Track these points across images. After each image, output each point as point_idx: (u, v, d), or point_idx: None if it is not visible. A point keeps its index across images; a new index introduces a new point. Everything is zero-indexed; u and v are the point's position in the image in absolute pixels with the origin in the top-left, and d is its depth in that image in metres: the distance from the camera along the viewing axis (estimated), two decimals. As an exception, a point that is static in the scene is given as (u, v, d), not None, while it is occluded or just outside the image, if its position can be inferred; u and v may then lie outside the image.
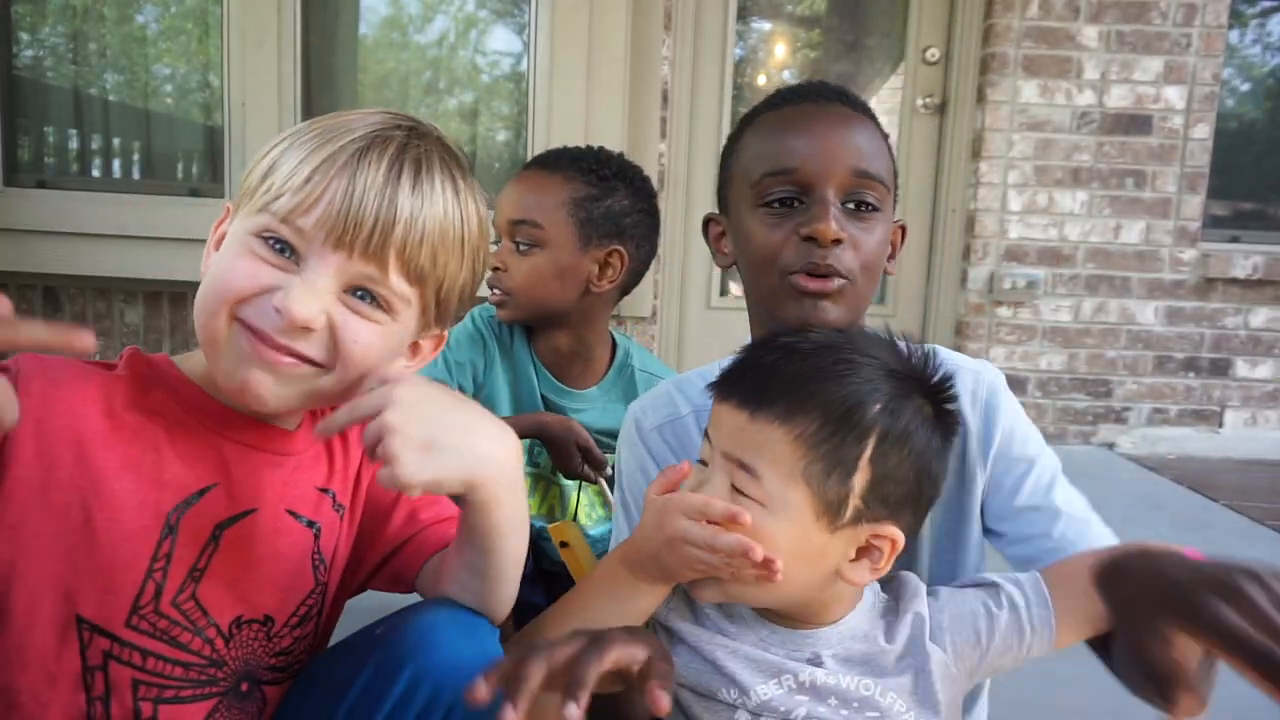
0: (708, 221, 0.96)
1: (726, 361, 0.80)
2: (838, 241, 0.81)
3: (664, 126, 3.07)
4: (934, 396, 0.76)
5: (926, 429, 0.74)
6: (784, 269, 0.82)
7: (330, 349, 0.70)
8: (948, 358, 0.88)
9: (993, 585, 0.79)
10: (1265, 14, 3.30)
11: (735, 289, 3.37)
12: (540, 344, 1.41)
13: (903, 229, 0.92)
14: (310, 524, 0.78)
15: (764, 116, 0.89)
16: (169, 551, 0.71)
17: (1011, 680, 1.44)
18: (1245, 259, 3.06)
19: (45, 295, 2.98)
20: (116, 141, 3.17)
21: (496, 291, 1.35)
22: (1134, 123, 3.04)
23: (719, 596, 0.74)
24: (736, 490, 0.71)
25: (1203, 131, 3.05)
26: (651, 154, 3.04)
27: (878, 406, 0.72)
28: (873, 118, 0.88)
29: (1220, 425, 3.18)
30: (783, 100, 0.89)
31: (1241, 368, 3.16)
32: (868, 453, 0.71)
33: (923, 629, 0.77)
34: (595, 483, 1.38)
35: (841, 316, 0.83)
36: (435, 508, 0.84)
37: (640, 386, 1.42)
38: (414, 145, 0.72)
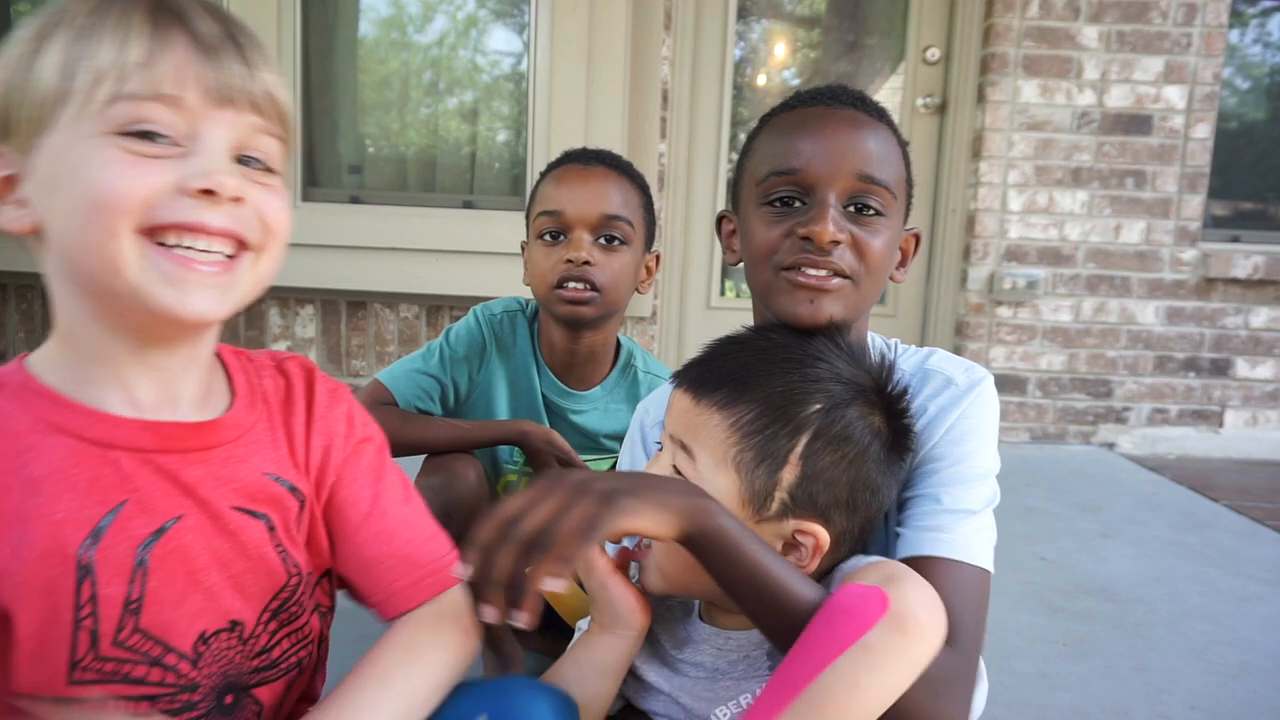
0: (720, 219, 0.97)
1: None
2: (835, 243, 0.81)
3: (664, 126, 3.07)
4: (887, 409, 0.76)
5: (869, 436, 0.75)
6: (778, 264, 0.83)
7: (259, 224, 0.65)
8: (943, 360, 0.89)
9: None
10: (1265, 14, 3.30)
11: (737, 289, 3.37)
12: (552, 344, 1.39)
13: (916, 237, 0.92)
14: (258, 515, 0.71)
15: (778, 117, 0.90)
16: (91, 594, 0.62)
17: (1011, 680, 1.45)
18: (1246, 259, 3.06)
19: (44, 295, 2.97)
20: (117, 141, 3.17)
21: (579, 286, 1.28)
22: (1134, 123, 3.05)
23: (660, 585, 0.78)
24: (676, 470, 0.76)
25: (1203, 131, 3.05)
26: (651, 154, 3.05)
27: (816, 406, 0.74)
28: (888, 124, 0.88)
29: (1220, 425, 3.18)
30: (797, 102, 0.89)
31: (1242, 368, 3.16)
32: (799, 449, 0.73)
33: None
34: None
35: (837, 313, 0.82)
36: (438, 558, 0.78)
37: (643, 388, 1.42)
38: None
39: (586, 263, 1.28)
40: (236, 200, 0.62)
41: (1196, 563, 2.09)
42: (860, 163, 0.82)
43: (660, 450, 0.80)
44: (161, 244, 0.61)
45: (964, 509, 0.80)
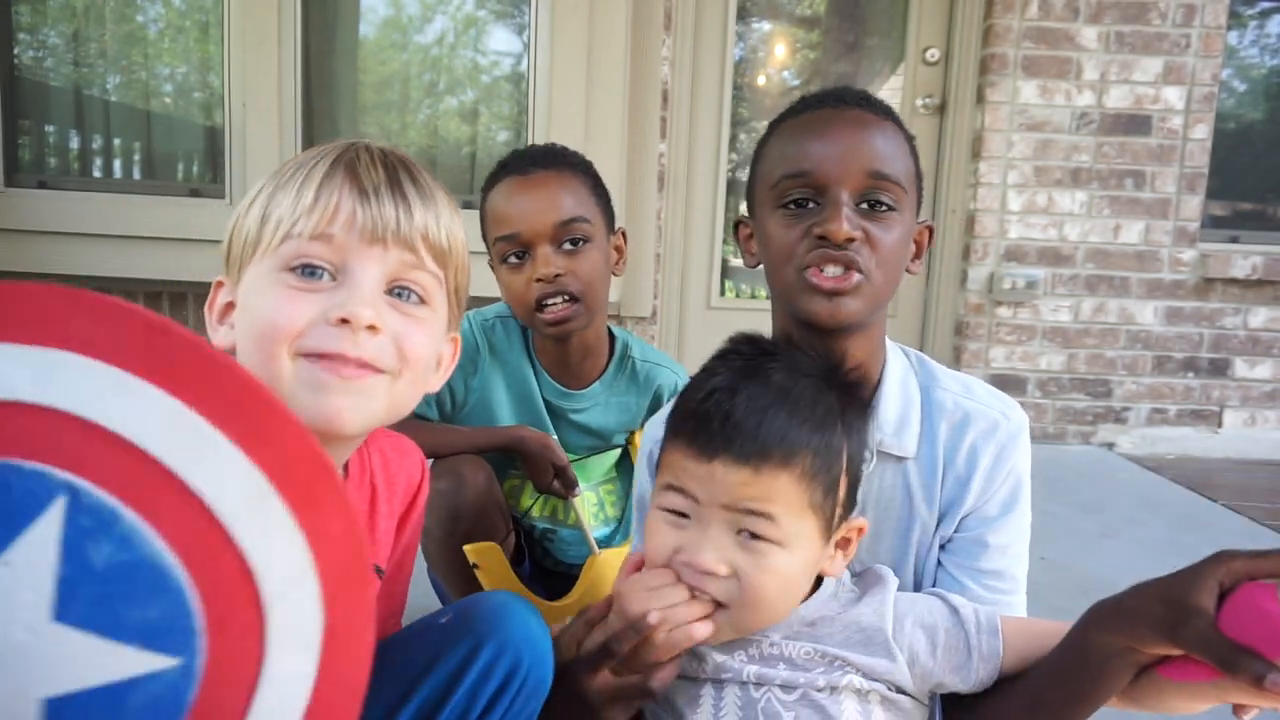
0: (738, 224, 0.99)
1: (688, 383, 0.83)
2: (850, 240, 0.83)
3: (664, 126, 3.07)
4: (849, 388, 0.80)
5: (858, 418, 0.80)
6: (799, 265, 0.85)
7: (394, 352, 0.71)
8: (985, 394, 0.94)
9: (950, 602, 0.82)
10: (1264, 15, 3.30)
11: (737, 288, 3.37)
12: (545, 347, 1.38)
13: (929, 229, 0.95)
14: None
15: (787, 122, 0.92)
16: None
17: (1011, 680, 1.45)
18: (1244, 259, 3.07)
19: (45, 295, 2.98)
20: (117, 141, 3.18)
21: (557, 303, 1.26)
22: (1133, 123, 3.05)
23: (729, 633, 0.77)
24: (749, 535, 0.74)
25: (1202, 132, 3.05)
26: (651, 154, 3.05)
27: (839, 425, 0.77)
28: (894, 121, 0.90)
29: (1219, 425, 3.19)
30: (804, 106, 0.92)
31: (1241, 368, 3.16)
32: (844, 466, 0.78)
33: (883, 616, 0.80)
34: (564, 499, 1.38)
35: (858, 311, 0.85)
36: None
37: (642, 376, 1.41)
38: (381, 150, 0.75)
39: (558, 275, 1.25)
40: (372, 329, 0.68)
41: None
42: (869, 160, 0.85)
43: (684, 519, 0.76)
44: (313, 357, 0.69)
45: (1024, 561, 0.91)
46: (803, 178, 0.85)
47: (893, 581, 0.83)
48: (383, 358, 0.70)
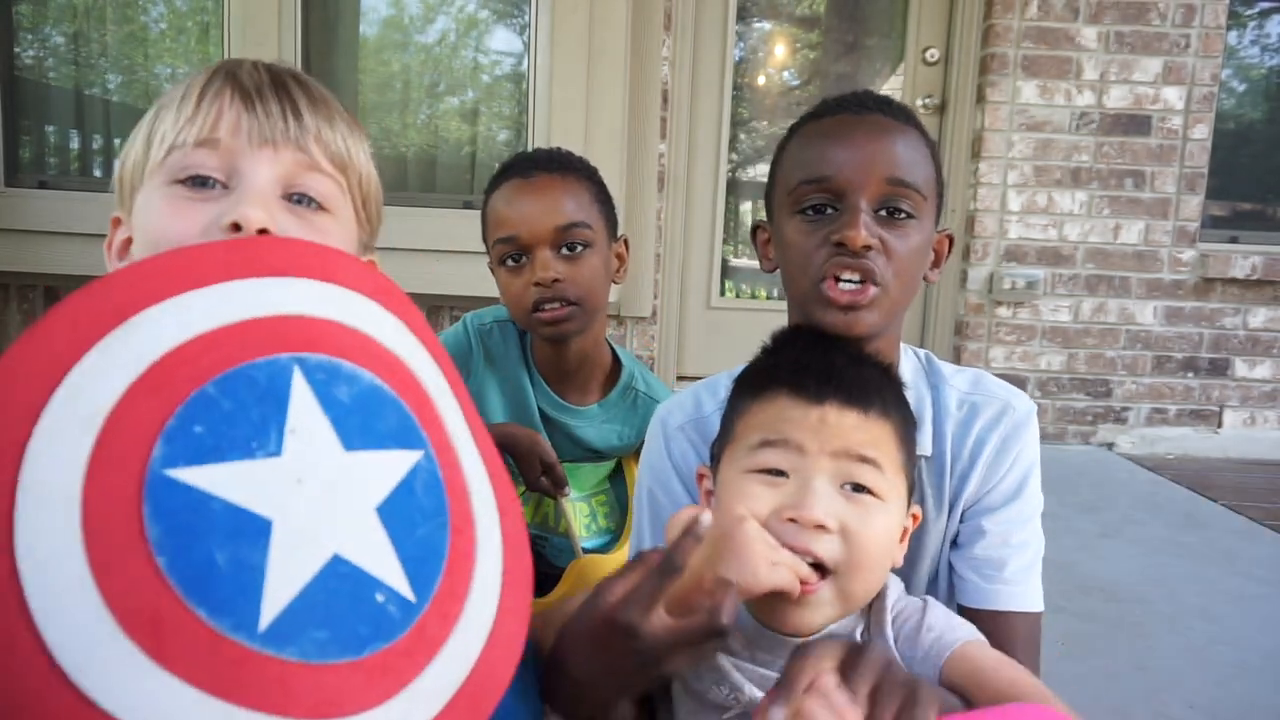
0: (755, 228, 0.98)
1: (756, 355, 0.83)
2: (868, 248, 0.81)
3: (664, 126, 3.07)
4: (897, 379, 0.83)
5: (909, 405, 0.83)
6: (816, 275, 0.83)
7: None
8: (991, 384, 0.94)
9: (926, 605, 0.78)
10: (1264, 15, 3.30)
11: (737, 288, 3.37)
12: (542, 355, 1.36)
13: (950, 238, 0.94)
14: None
15: (806, 127, 0.91)
16: None
17: (1011, 680, 1.45)
18: (1244, 259, 3.07)
19: (45, 295, 2.98)
20: (117, 142, 3.17)
21: (555, 306, 1.25)
22: (1133, 123, 3.05)
23: (828, 608, 0.72)
24: (854, 487, 0.72)
25: (1201, 132, 3.05)
26: (651, 154, 3.05)
27: (907, 401, 0.79)
28: (916, 126, 0.89)
29: (1219, 425, 3.19)
30: (824, 110, 0.90)
31: (1240, 368, 3.16)
32: (915, 440, 0.80)
33: (912, 637, 0.75)
34: (553, 498, 1.35)
35: (875, 323, 0.84)
36: None
37: (640, 412, 1.38)
38: (266, 62, 0.73)
39: (556, 280, 1.24)
40: (265, 233, 0.65)
41: (1195, 563, 2.09)
42: (889, 167, 0.83)
43: (781, 477, 0.72)
44: None
45: (1030, 553, 0.88)
46: (821, 183, 0.84)
47: (898, 584, 0.81)
48: None
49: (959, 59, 3.12)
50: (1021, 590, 0.86)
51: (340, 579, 0.50)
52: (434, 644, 0.53)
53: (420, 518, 0.54)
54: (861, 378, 0.75)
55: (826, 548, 0.70)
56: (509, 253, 1.27)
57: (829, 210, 0.84)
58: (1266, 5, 3.28)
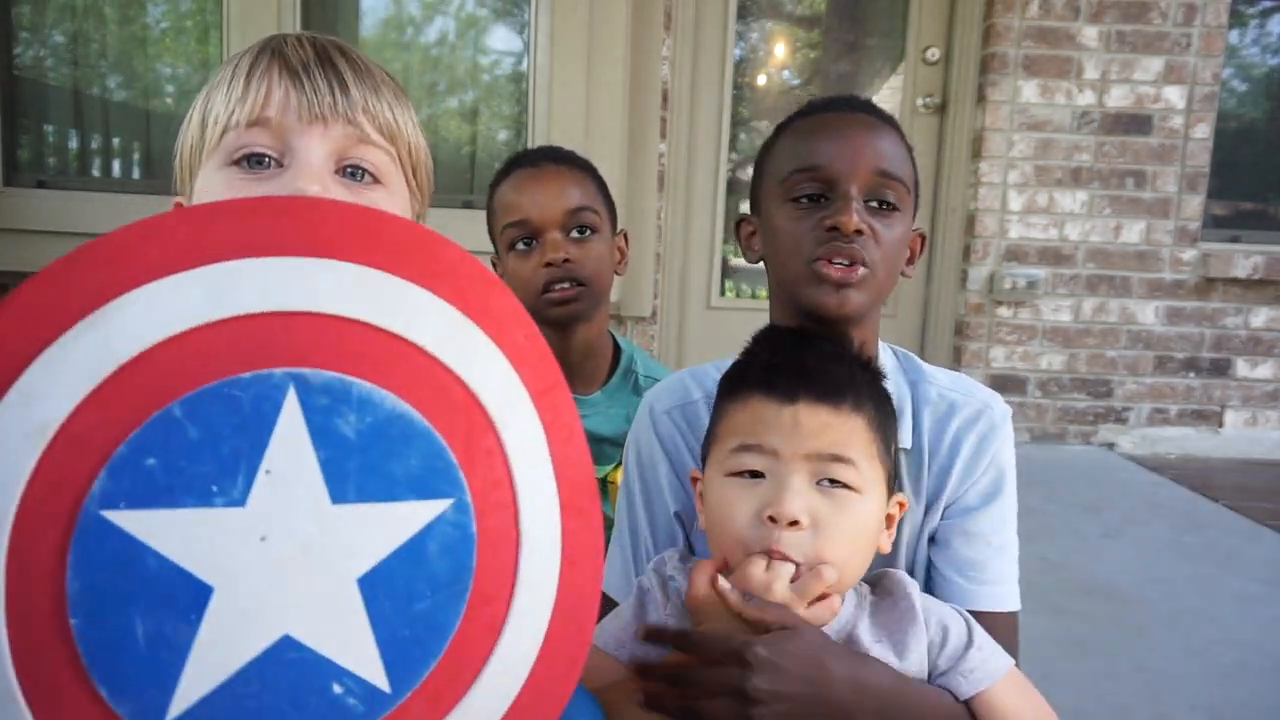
0: (739, 222, 1.02)
1: (733, 360, 0.85)
2: (859, 233, 0.86)
3: (664, 126, 3.07)
4: (875, 370, 0.84)
5: (888, 394, 0.85)
6: (809, 257, 0.87)
7: None
8: (968, 385, 0.96)
9: (970, 627, 0.81)
10: (1265, 14, 3.30)
11: (737, 288, 3.37)
12: (551, 340, 1.37)
13: (922, 236, 0.98)
14: None
15: (796, 123, 0.95)
16: None
17: (1012, 680, 1.45)
18: (1245, 259, 3.06)
19: (45, 295, 2.98)
20: (116, 141, 3.17)
21: (565, 285, 1.28)
22: (1134, 123, 3.05)
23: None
24: (829, 482, 0.75)
25: (1203, 131, 3.05)
26: (651, 154, 3.04)
27: (884, 392, 0.81)
28: (897, 129, 0.94)
29: (1220, 425, 3.18)
30: (813, 109, 0.95)
31: (1242, 368, 3.16)
32: (893, 432, 0.81)
33: (918, 634, 0.78)
34: None
35: (862, 304, 0.87)
36: None
37: (642, 393, 1.41)
38: (310, 35, 0.74)
39: (566, 260, 1.27)
40: None
41: (1196, 563, 2.09)
42: (878, 159, 0.88)
43: (758, 479, 0.76)
44: None
45: (1009, 554, 0.91)
46: (814, 172, 0.88)
47: (913, 582, 0.83)
48: None
49: (959, 58, 3.12)
50: (1003, 591, 0.90)
51: (284, 666, 0.42)
52: None
53: (424, 588, 0.46)
54: (832, 374, 0.77)
55: (798, 544, 0.73)
56: (519, 236, 1.30)
57: (821, 199, 0.89)
58: (1268, 4, 3.28)
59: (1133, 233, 3.09)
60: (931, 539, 0.93)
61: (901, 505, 0.83)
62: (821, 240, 0.86)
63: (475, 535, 0.47)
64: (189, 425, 0.41)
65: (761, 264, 0.97)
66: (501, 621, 0.48)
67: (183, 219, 0.44)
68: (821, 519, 0.73)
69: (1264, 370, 3.16)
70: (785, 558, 0.72)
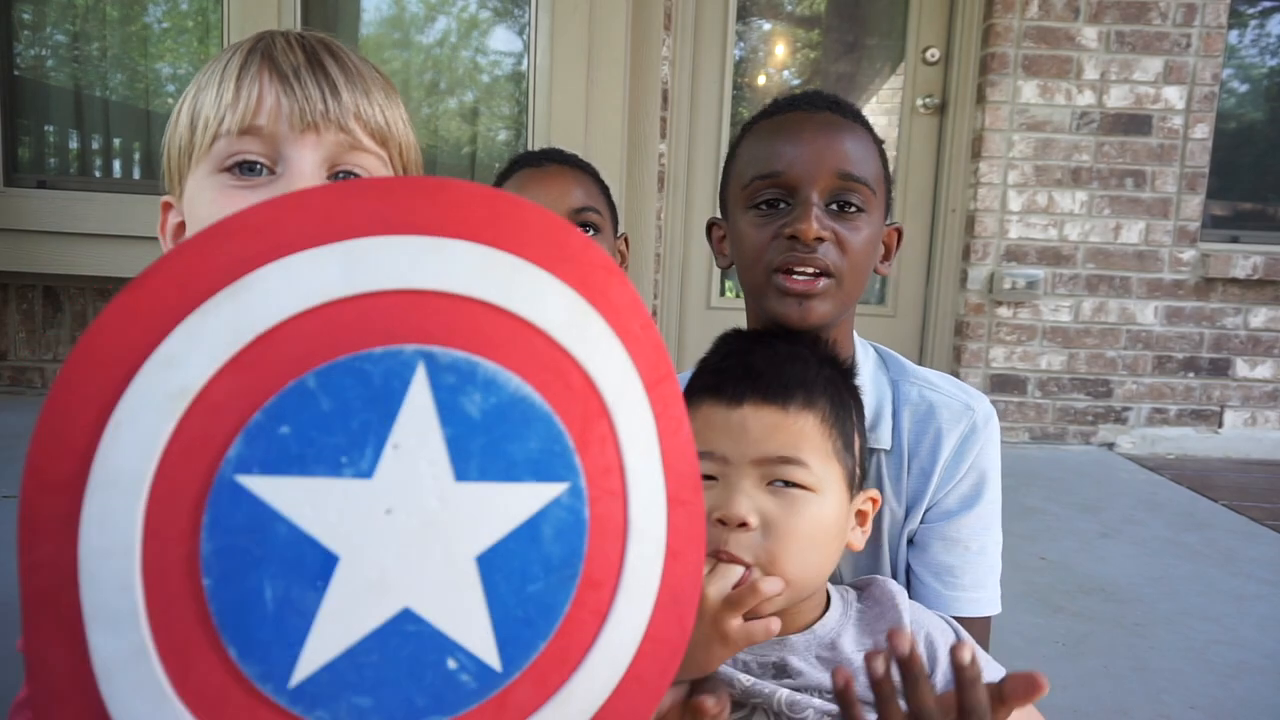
0: (710, 225, 1.00)
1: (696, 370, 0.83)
2: (820, 240, 0.84)
3: (664, 126, 3.07)
4: (839, 362, 0.83)
5: (853, 386, 0.83)
6: (769, 266, 0.86)
7: None
8: (950, 384, 0.94)
9: (960, 637, 0.80)
10: (1265, 14, 3.30)
11: (736, 289, 3.37)
12: None
13: (898, 231, 0.96)
14: None
15: (758, 124, 0.93)
16: None
17: (1011, 680, 1.45)
18: (1245, 259, 3.06)
19: (45, 295, 2.98)
20: (117, 141, 3.18)
21: None
22: (1134, 123, 3.05)
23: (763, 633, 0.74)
24: (781, 484, 0.73)
25: (1202, 132, 3.05)
26: (651, 154, 3.05)
27: (844, 385, 0.79)
28: (863, 124, 0.91)
29: (1220, 425, 3.19)
30: (775, 109, 0.94)
31: (1241, 368, 3.16)
32: (855, 426, 0.79)
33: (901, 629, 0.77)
34: None
35: (828, 313, 0.86)
36: None
37: None
38: (299, 34, 0.73)
39: None
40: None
41: (1196, 562, 2.09)
42: (839, 162, 0.86)
43: (712, 482, 0.73)
44: None
45: (992, 557, 0.90)
46: (773, 178, 0.87)
47: (902, 592, 0.82)
48: None
49: (959, 59, 3.12)
50: (978, 596, 0.89)
51: (404, 638, 0.43)
52: (516, 718, 0.46)
53: (539, 570, 0.46)
54: (782, 374, 0.75)
55: (746, 545, 0.71)
56: None
57: (781, 205, 0.87)
58: (1268, 4, 3.28)
59: (1132, 233, 3.09)
60: (910, 540, 0.92)
61: (874, 501, 0.81)
62: (782, 249, 0.85)
63: (588, 521, 0.47)
64: (321, 396, 0.42)
65: (732, 270, 0.95)
66: (607, 609, 0.48)
67: (322, 195, 0.44)
68: (772, 520, 0.72)
69: (1263, 370, 3.16)
70: (734, 559, 0.71)
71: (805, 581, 0.75)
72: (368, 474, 0.42)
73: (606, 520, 0.48)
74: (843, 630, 0.78)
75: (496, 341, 0.45)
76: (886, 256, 0.94)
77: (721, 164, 3.26)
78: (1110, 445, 3.18)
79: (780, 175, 0.86)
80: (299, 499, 0.42)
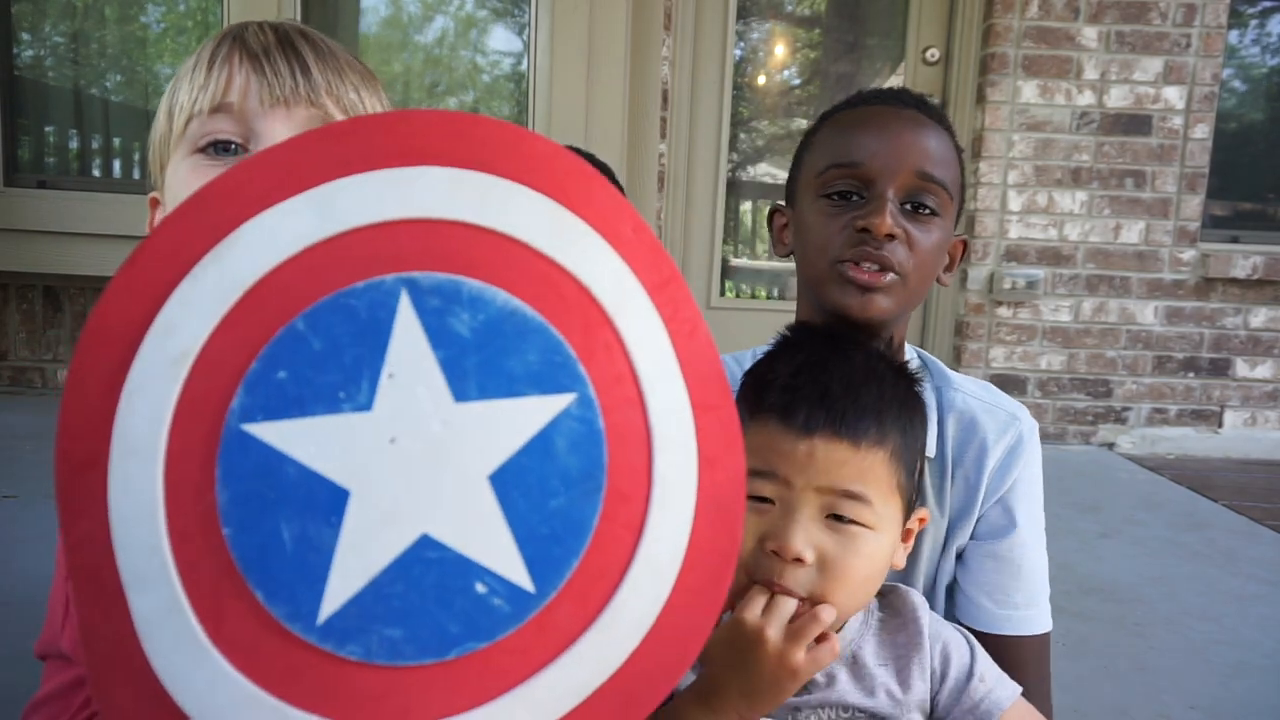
0: (773, 212, 0.98)
1: (756, 363, 0.79)
2: (891, 237, 0.81)
3: (664, 126, 3.07)
4: (912, 378, 0.80)
5: (921, 406, 0.79)
6: (835, 257, 0.83)
7: None
8: (997, 395, 0.94)
9: (975, 656, 0.79)
10: (1265, 14, 3.30)
11: (737, 288, 3.37)
12: None
13: (964, 243, 0.93)
14: None
15: (840, 114, 0.90)
16: None
17: (1011, 680, 1.45)
18: (1245, 259, 3.07)
19: (45, 295, 2.98)
20: (117, 141, 3.17)
21: None
22: (1134, 123, 3.05)
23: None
24: (840, 519, 0.71)
25: (1202, 132, 3.05)
26: (651, 154, 3.05)
27: (917, 409, 0.77)
28: (948, 128, 0.89)
29: (1220, 425, 3.19)
30: (859, 100, 0.90)
31: (1241, 368, 3.16)
32: (920, 445, 0.77)
33: (923, 663, 0.76)
34: None
35: (888, 309, 0.83)
36: None
37: None
38: (272, 22, 0.74)
39: None
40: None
41: (1196, 562, 2.09)
42: (920, 160, 0.83)
43: (769, 505, 0.71)
44: None
45: (1040, 574, 0.88)
46: (851, 168, 0.84)
47: (924, 603, 0.80)
48: None
49: (959, 59, 3.12)
50: (1030, 614, 0.87)
51: (426, 565, 0.43)
52: (561, 640, 0.46)
53: (558, 484, 0.45)
54: (857, 401, 0.72)
55: (800, 580, 0.69)
56: None
57: (855, 197, 0.84)
58: (1268, 4, 3.28)
59: (1132, 233, 3.09)
60: (958, 556, 0.90)
61: (923, 520, 0.79)
62: (851, 241, 0.82)
63: (604, 431, 0.46)
64: (312, 337, 0.43)
65: (790, 258, 0.93)
66: (641, 521, 0.47)
67: (286, 149, 0.45)
68: (829, 557, 0.69)
69: (1263, 370, 3.16)
70: (788, 592, 0.69)
71: (852, 610, 0.74)
72: (367, 406, 0.43)
73: (625, 430, 0.47)
74: (863, 641, 0.76)
75: (477, 260, 0.45)
76: (949, 267, 0.91)
77: (722, 163, 3.28)
78: (1110, 445, 3.18)
79: (858, 166, 0.83)
80: (304, 439, 0.42)
